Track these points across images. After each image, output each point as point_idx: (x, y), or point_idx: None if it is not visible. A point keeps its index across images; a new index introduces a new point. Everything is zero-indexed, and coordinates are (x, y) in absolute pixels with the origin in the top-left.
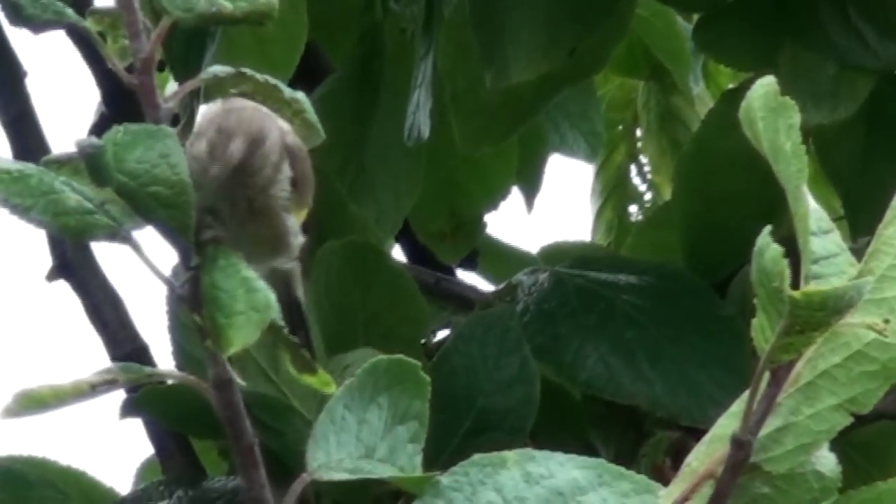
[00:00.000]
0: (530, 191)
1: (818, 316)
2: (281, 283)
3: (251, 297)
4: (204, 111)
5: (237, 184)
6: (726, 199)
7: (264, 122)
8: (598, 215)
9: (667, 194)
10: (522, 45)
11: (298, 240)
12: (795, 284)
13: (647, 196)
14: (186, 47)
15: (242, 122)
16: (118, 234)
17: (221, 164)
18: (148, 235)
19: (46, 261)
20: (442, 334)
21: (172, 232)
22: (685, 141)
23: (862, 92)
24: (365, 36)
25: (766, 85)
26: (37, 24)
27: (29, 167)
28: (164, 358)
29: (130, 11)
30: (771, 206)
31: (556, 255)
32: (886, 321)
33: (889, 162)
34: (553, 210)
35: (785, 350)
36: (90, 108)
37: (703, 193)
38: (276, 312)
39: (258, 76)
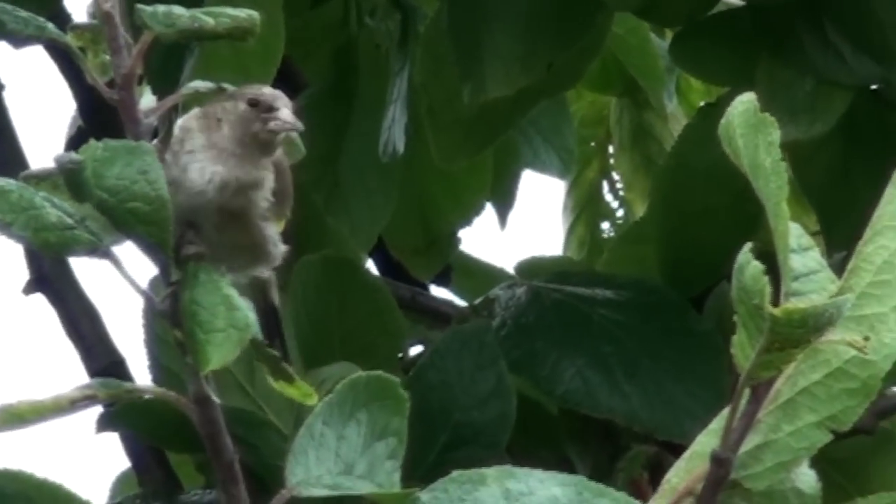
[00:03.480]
0: (504, 207)
1: (798, 333)
2: (258, 290)
3: (231, 314)
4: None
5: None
6: (703, 215)
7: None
8: (570, 232)
9: (639, 211)
10: (501, 59)
11: (279, 249)
12: (775, 301)
13: (620, 213)
14: (165, 61)
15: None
16: (98, 249)
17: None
18: (126, 250)
19: (23, 273)
20: (415, 350)
21: (152, 247)
22: (658, 158)
23: (839, 107)
24: (340, 51)
25: (745, 101)
26: (18, 39)
27: (10, 183)
28: (140, 371)
29: (112, 27)
30: (748, 221)
31: (532, 269)
32: (866, 338)
33: (865, 177)
34: (524, 226)
35: (765, 367)
36: (64, 121)
37: (679, 209)
38: (255, 330)
39: None
